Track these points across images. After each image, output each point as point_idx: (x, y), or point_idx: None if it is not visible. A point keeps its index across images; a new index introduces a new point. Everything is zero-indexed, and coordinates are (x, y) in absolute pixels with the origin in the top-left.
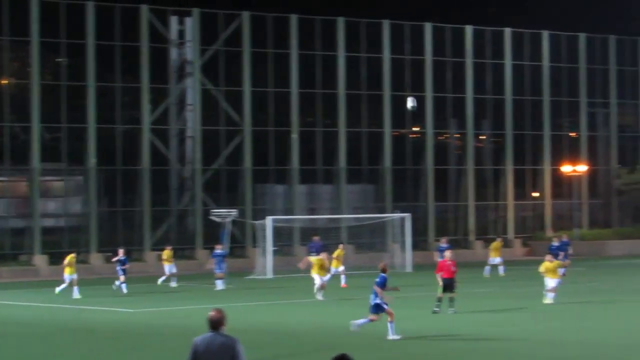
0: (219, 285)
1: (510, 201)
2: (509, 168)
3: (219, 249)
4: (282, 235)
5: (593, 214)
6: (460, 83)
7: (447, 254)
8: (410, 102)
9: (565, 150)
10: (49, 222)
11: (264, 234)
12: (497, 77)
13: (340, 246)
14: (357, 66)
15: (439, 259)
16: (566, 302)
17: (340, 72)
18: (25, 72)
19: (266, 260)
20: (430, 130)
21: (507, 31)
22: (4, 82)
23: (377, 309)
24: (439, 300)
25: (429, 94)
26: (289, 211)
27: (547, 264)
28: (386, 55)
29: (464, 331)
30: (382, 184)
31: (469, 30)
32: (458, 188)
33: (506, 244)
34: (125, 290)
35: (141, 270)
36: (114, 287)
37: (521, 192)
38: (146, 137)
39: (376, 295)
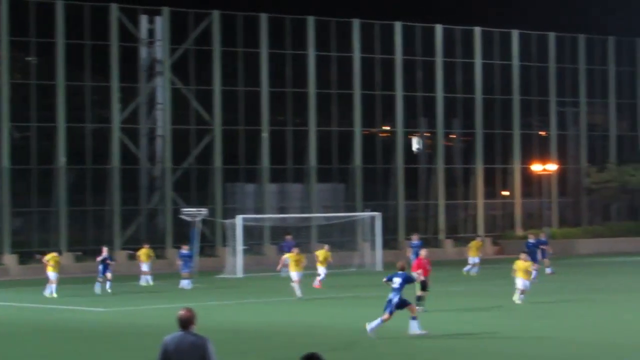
0: (185, 285)
1: (480, 200)
2: (479, 167)
3: (185, 249)
4: (252, 234)
5: (563, 212)
6: (430, 82)
7: (423, 252)
8: (415, 144)
9: (535, 149)
10: (18, 222)
11: (234, 233)
12: (467, 76)
13: (326, 247)
14: (327, 65)
15: (412, 256)
16: (537, 301)
17: (311, 71)
18: None
19: (236, 260)
20: (400, 129)
21: (477, 30)
22: None
23: (403, 304)
24: (420, 298)
25: (399, 93)
26: (259, 210)
27: (520, 263)
28: (356, 54)
29: (435, 330)
30: (352, 182)
31: (438, 29)
32: (428, 187)
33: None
34: (99, 291)
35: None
36: (108, 289)
37: (491, 191)
38: (116, 136)
39: (397, 293)
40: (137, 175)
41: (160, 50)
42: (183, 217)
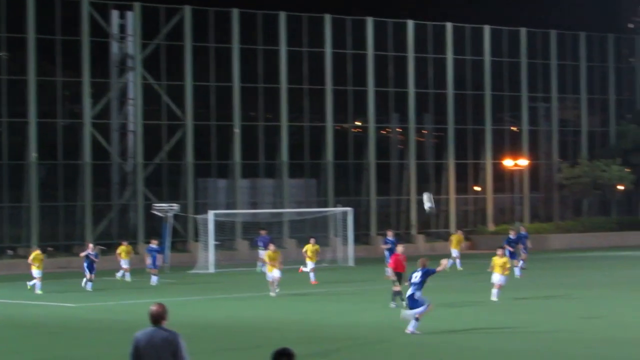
0: (153, 280)
1: (452, 195)
2: (451, 162)
3: (153, 244)
4: (224, 230)
5: (534, 207)
6: (402, 77)
7: (400, 248)
8: (427, 203)
9: (507, 144)
10: None
11: (206, 228)
12: (438, 71)
13: (312, 240)
14: (298, 60)
15: (386, 252)
16: (513, 297)
17: (282, 67)
18: None
19: (208, 255)
20: (372, 124)
21: (449, 26)
22: None
23: (414, 303)
24: (398, 293)
25: (370, 88)
26: (231, 205)
27: (496, 259)
28: (328, 49)
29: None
30: (324, 178)
31: (410, 25)
32: (400, 182)
33: (446, 238)
34: (90, 289)
35: (81, 266)
36: (85, 285)
37: (463, 186)
38: (87, 131)
39: (418, 288)
40: (109, 170)
41: (132, 45)
42: (154, 212)
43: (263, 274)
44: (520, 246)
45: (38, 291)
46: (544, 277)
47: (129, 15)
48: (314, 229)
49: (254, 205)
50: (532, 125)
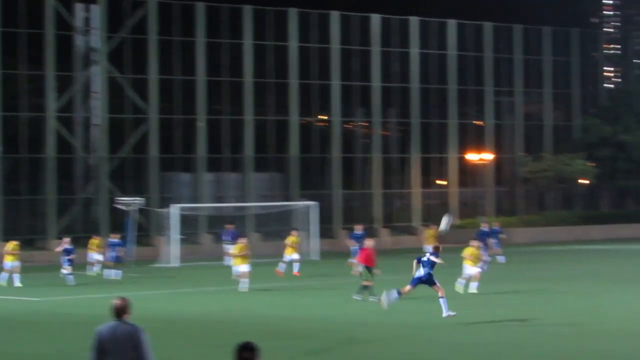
0: (113, 274)
1: (417, 189)
2: (415, 156)
3: (115, 238)
4: (188, 224)
5: (499, 201)
6: (367, 71)
7: (370, 242)
8: (443, 224)
9: (471, 138)
10: None
11: (170, 222)
12: (403, 65)
13: (294, 232)
14: (263, 54)
15: (352, 247)
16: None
17: (247, 60)
18: None
19: (171, 249)
20: (337, 118)
21: (414, 20)
22: None
23: (430, 279)
24: (367, 287)
25: (335, 82)
26: (195, 199)
27: (469, 250)
28: (293, 43)
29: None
30: (288, 172)
31: (375, 18)
32: (364, 176)
33: (411, 232)
34: (72, 282)
35: (45, 259)
36: (66, 278)
37: (427, 180)
38: (51, 124)
39: (431, 267)
40: (73, 164)
41: (96, 38)
42: (118, 206)
43: (230, 267)
44: (492, 240)
45: (17, 284)
46: (513, 271)
47: (94, 8)
48: (279, 223)
49: (218, 199)
50: (497, 119)
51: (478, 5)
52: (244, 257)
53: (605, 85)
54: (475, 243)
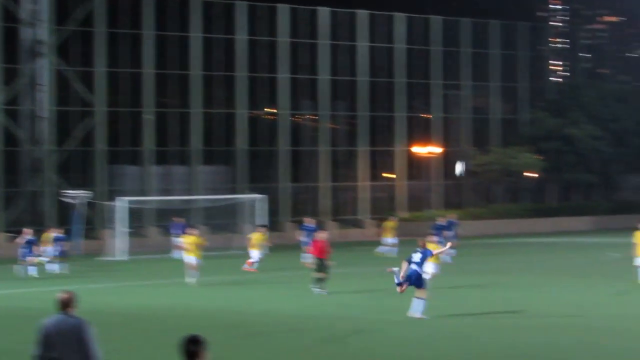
0: (56, 268)
1: (364, 182)
2: (363, 149)
3: (58, 232)
4: (135, 217)
5: (446, 195)
6: (315, 64)
7: (323, 234)
8: (459, 167)
9: (419, 131)
10: None
11: (117, 215)
12: (351, 59)
13: (262, 229)
14: (211, 47)
15: (304, 239)
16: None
17: (195, 54)
18: None
19: (119, 242)
20: (284, 111)
21: (362, 13)
22: None
23: (420, 282)
24: (320, 279)
25: (283, 75)
26: (142, 192)
27: (431, 245)
28: (241, 36)
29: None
30: (236, 165)
31: (323, 12)
32: (312, 169)
33: (359, 225)
34: (35, 273)
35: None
36: (21, 270)
37: (375, 174)
38: None
39: (418, 266)
40: (19, 157)
41: (43, 31)
42: (65, 199)
43: (179, 260)
44: (447, 233)
45: None
46: (456, 264)
47: (41, 0)
48: (226, 216)
49: (166, 192)
50: (445, 112)
51: None
52: (197, 249)
53: (552, 79)
54: (434, 238)
